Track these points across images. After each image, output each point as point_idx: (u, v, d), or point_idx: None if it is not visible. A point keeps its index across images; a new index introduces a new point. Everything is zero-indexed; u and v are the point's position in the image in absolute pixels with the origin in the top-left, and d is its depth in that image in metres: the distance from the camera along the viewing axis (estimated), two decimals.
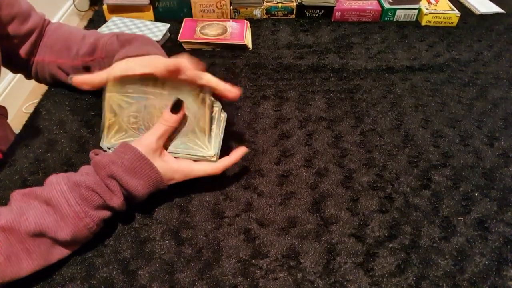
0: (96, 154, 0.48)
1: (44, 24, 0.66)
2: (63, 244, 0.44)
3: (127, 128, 0.51)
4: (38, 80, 0.70)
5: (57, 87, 0.70)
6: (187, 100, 0.49)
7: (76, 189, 0.44)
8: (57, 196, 0.43)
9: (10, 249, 0.40)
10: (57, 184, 0.44)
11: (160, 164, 0.48)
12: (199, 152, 0.51)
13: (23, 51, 0.63)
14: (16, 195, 0.44)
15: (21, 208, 0.42)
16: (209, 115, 0.50)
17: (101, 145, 0.52)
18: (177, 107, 0.49)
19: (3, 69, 0.61)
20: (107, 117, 0.51)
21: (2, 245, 0.40)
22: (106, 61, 0.59)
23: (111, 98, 0.50)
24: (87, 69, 0.62)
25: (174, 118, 0.49)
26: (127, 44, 0.57)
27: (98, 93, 0.49)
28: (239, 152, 0.53)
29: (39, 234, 0.42)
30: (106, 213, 0.46)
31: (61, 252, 0.44)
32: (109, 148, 0.52)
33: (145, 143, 0.48)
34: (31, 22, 0.62)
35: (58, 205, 0.43)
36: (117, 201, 0.46)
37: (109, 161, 0.45)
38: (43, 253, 0.43)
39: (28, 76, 0.70)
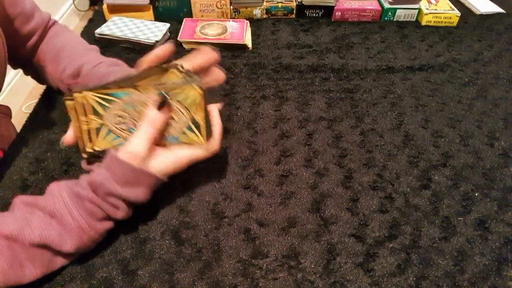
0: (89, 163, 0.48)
1: (47, 25, 0.65)
2: (66, 255, 0.44)
3: (115, 130, 0.46)
4: (36, 79, 0.70)
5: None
6: (172, 91, 0.44)
7: (80, 202, 0.43)
8: (61, 209, 0.42)
9: (14, 258, 0.40)
10: (60, 196, 0.43)
11: (153, 164, 0.45)
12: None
13: (24, 51, 0.63)
14: (20, 204, 0.44)
15: (26, 218, 0.42)
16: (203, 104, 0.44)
17: (83, 154, 0.48)
18: (162, 104, 0.44)
19: None
20: (89, 119, 0.46)
21: (6, 254, 0.40)
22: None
23: (88, 98, 0.45)
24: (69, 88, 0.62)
25: (161, 120, 0.44)
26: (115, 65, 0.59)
27: None
28: (217, 127, 0.49)
29: (43, 246, 0.42)
30: (110, 224, 0.46)
31: (63, 261, 0.44)
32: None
33: (133, 151, 0.44)
34: (34, 23, 0.62)
35: (62, 218, 0.42)
36: (121, 213, 0.45)
37: (104, 179, 0.43)
38: (46, 262, 0.43)
39: (27, 73, 0.70)
